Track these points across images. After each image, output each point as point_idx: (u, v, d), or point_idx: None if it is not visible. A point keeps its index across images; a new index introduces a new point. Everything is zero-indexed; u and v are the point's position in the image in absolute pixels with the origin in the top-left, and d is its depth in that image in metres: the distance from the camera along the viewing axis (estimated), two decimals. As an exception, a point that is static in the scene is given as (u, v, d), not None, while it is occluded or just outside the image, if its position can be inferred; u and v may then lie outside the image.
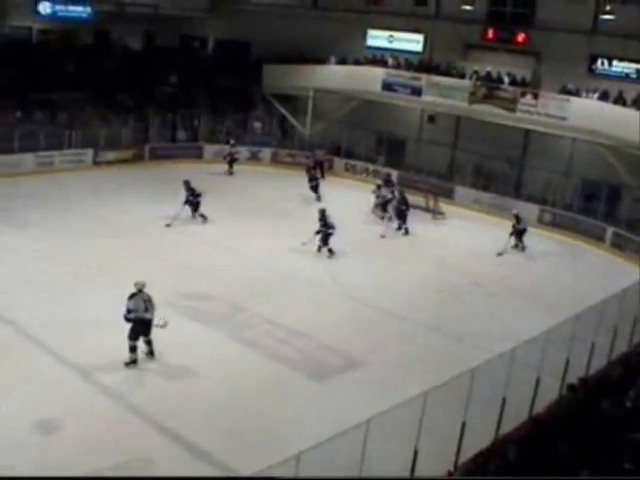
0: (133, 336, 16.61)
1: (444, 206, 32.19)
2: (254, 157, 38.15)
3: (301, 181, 33.02)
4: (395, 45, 38.52)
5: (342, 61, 38.21)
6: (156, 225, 26.79)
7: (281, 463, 9.63)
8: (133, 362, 16.67)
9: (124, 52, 42.56)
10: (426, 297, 22.83)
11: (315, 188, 32.61)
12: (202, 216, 27.77)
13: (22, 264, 21.98)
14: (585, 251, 28.76)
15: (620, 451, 10.51)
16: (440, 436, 12.99)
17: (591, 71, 32.46)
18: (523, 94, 31.82)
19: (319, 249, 25.35)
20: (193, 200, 27.62)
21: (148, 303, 16.61)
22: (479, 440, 12.71)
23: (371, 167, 36.95)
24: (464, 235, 29.26)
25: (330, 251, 25.34)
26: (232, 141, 36.58)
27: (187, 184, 27.78)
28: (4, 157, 31.53)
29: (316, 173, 33.73)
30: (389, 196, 30.44)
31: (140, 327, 16.65)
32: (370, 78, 36.17)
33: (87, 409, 14.80)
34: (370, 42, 39.42)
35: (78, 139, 34.29)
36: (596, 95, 30.68)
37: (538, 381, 14.72)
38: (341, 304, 21.66)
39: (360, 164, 37.36)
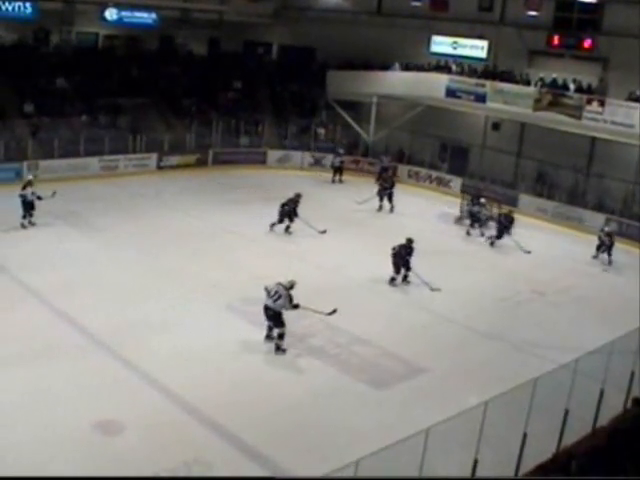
0: (265, 318, 17.92)
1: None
2: (317, 163, 38.19)
3: (366, 188, 32.98)
4: (459, 51, 38.34)
5: (406, 67, 38.10)
6: (220, 230, 26.97)
7: (339, 469, 9.59)
8: (267, 337, 18.10)
9: (189, 57, 43.01)
10: (489, 305, 22.58)
11: (390, 196, 31.70)
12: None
13: (88, 267, 22.31)
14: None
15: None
16: (501, 446, 12.84)
17: (660, 78, 31.89)
18: (589, 101, 31.32)
19: (404, 278, 23.58)
20: (294, 214, 27.03)
21: (278, 296, 17.60)
22: (540, 452, 12.50)
23: (434, 174, 36.76)
24: (528, 244, 28.91)
25: (406, 277, 23.59)
26: (341, 150, 36.59)
27: (298, 197, 27.21)
28: (71, 160, 32.18)
29: (385, 182, 32.67)
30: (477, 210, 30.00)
31: (266, 312, 17.78)
32: (434, 84, 36.00)
33: (148, 411, 14.91)
34: (434, 48, 39.31)
35: (142, 144, 34.77)
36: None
37: (602, 393, 14.44)
38: (404, 312, 21.54)
39: (424, 171, 37.17)
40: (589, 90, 32.61)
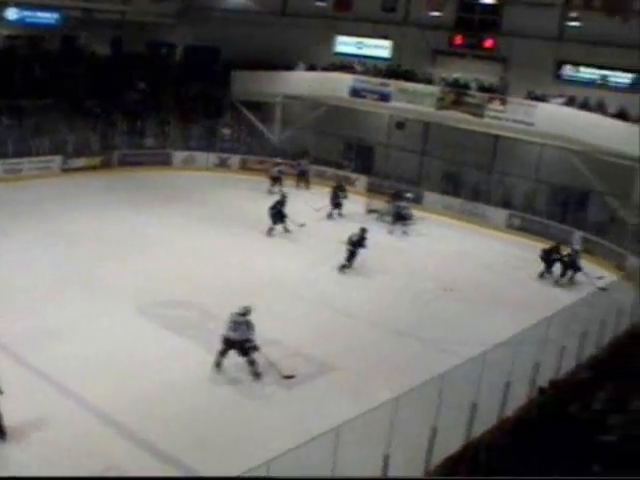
0: (221, 350, 17.07)
1: (413, 212, 31.92)
2: (223, 164, 38.07)
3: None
4: (364, 51, 38.65)
5: (311, 67, 38.20)
6: (128, 232, 26.60)
7: (251, 470, 9.58)
8: (217, 365, 17.14)
9: (92, 58, 42.19)
10: (397, 303, 22.85)
11: (339, 205, 31.61)
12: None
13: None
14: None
15: (588, 454, 10.56)
16: (411, 441, 12.96)
17: (557, 77, 32.78)
18: (491, 100, 31.97)
19: (343, 267, 24.75)
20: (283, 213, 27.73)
21: (238, 325, 16.86)
22: (450, 445, 12.71)
23: (340, 173, 36.90)
24: (433, 241, 29.32)
25: (344, 267, 24.73)
26: (278, 159, 36.25)
27: (284, 197, 28.32)
28: (-28, 164, 31.38)
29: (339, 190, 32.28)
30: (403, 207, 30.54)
31: (226, 344, 16.96)
32: (338, 84, 36.17)
33: (58, 418, 14.63)
34: (339, 48, 39.53)
35: (46, 146, 34.04)
36: (562, 101, 30.89)
37: (508, 385, 14.76)
38: (314, 311, 21.59)
39: (330, 170, 37.29)
40: (490, 89, 33.21)
